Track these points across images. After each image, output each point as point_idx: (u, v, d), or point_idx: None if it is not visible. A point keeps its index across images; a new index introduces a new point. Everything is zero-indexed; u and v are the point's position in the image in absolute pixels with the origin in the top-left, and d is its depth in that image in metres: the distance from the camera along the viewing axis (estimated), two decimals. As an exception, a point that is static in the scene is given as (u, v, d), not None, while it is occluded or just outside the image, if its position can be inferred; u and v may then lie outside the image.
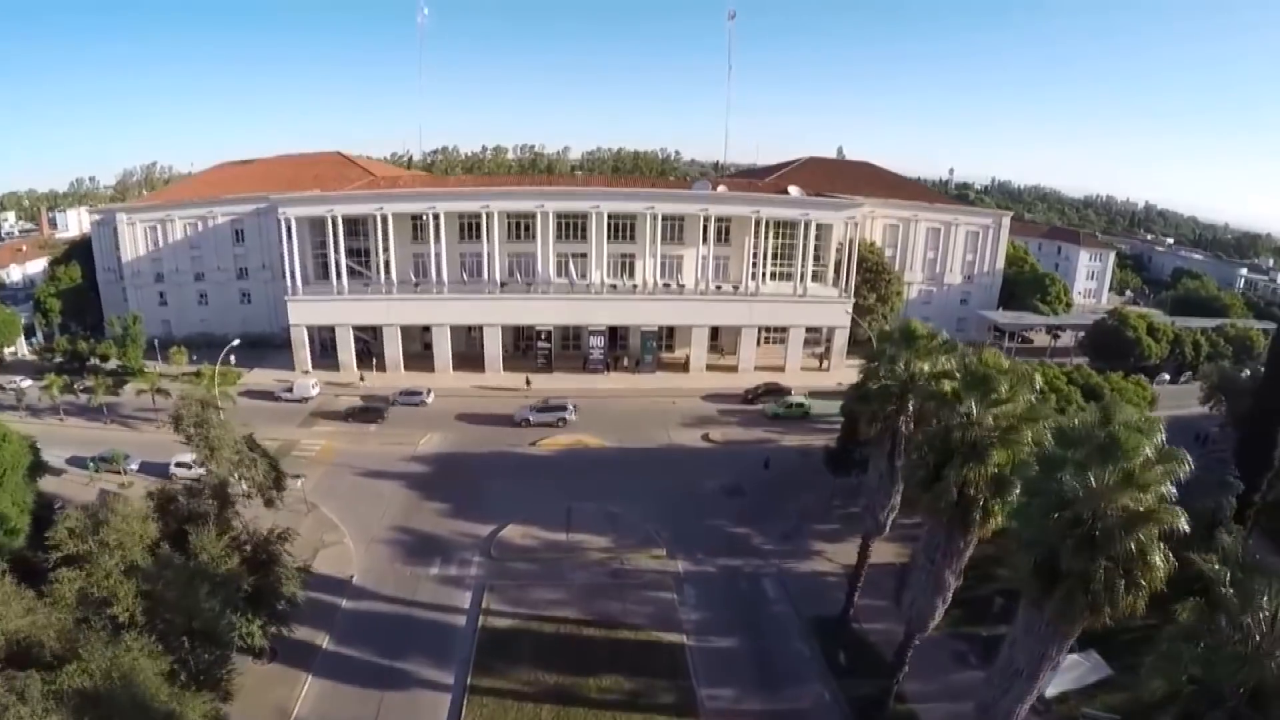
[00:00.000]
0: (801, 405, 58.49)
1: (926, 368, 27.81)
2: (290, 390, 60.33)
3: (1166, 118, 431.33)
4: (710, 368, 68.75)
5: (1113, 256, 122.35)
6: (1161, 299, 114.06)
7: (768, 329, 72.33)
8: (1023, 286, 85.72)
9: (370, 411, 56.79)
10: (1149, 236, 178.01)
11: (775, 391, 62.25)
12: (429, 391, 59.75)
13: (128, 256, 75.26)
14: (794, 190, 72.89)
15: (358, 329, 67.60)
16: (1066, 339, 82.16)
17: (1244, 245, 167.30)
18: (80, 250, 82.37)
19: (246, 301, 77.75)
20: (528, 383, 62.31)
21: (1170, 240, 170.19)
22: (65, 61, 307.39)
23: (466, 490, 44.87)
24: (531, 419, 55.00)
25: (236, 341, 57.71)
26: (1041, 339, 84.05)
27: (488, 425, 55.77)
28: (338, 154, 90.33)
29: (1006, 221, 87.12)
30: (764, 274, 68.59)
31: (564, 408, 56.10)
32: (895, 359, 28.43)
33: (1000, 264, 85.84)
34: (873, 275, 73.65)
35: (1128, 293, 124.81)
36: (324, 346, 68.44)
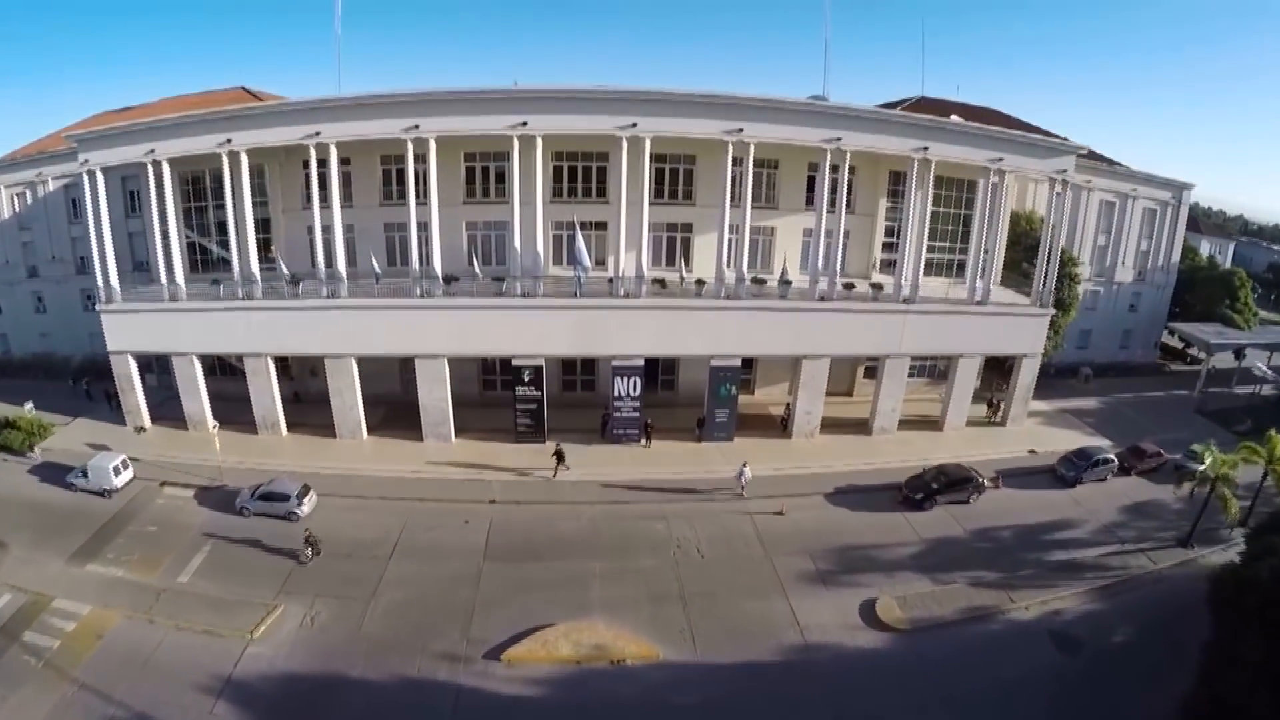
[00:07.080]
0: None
1: None
2: (84, 475, 32.15)
3: (1162, 109, 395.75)
4: (825, 425, 39.31)
5: (1232, 249, 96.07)
6: None
7: (918, 358, 42.82)
8: (1200, 288, 59.29)
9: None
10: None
11: (956, 484, 33.17)
12: (305, 492, 30.65)
13: (-46, 245, 50.33)
14: (957, 119, 43.21)
15: (213, 359, 39.83)
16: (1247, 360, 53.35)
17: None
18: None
19: (91, 308, 50.83)
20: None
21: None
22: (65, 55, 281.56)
23: None
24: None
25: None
26: (1218, 357, 52.40)
27: (407, 576, 26.89)
28: (241, 89, 61.42)
29: (1188, 196, 57.16)
30: (918, 264, 38.88)
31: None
32: None
33: (1177, 256, 57.92)
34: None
35: None
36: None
